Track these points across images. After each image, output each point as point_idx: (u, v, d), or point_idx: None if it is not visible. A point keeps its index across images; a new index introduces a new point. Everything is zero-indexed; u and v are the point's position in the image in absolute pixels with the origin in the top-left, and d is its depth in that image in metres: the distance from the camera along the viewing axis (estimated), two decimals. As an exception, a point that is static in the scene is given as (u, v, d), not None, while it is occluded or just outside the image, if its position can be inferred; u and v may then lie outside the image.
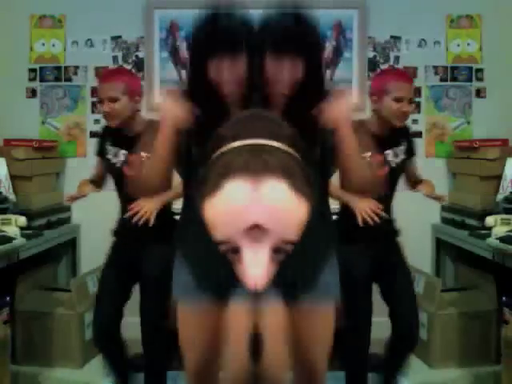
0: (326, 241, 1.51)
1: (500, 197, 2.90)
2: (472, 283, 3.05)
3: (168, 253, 2.21)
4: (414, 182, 2.47)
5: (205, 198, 0.86)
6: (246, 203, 0.83)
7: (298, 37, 1.44)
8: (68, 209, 3.31)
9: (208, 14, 1.44)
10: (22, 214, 2.73)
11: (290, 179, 0.86)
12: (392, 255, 2.36)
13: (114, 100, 2.18)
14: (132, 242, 2.32)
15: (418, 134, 3.37)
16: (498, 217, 2.67)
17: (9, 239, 2.47)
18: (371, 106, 2.31)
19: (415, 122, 3.36)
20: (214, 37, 1.44)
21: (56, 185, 3.33)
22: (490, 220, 2.66)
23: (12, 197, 2.89)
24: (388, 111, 2.20)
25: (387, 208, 2.32)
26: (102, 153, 2.38)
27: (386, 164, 2.27)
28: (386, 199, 2.30)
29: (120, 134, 2.30)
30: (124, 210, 2.30)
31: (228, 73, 1.41)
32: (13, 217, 2.65)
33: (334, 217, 2.85)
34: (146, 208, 2.21)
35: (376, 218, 2.21)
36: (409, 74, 2.29)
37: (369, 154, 2.24)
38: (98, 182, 2.49)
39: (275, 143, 0.91)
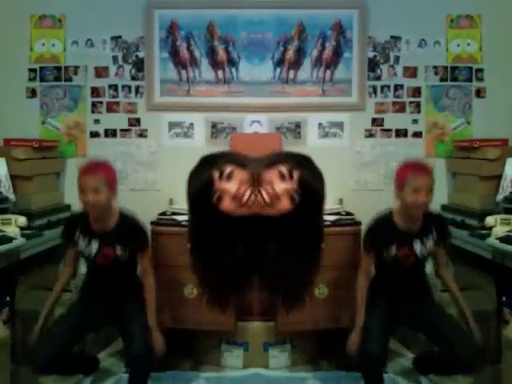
0: None
1: (500, 197, 2.90)
2: (472, 283, 3.05)
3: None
4: (439, 272, 2.59)
5: None
6: None
7: None
8: (68, 209, 3.31)
9: None
10: (21, 214, 2.73)
11: None
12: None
13: (97, 191, 2.31)
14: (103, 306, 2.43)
15: (418, 134, 3.38)
16: (498, 217, 2.67)
17: (9, 239, 2.47)
18: (395, 196, 2.42)
19: (415, 121, 3.37)
20: None
21: (56, 185, 3.33)
22: (490, 220, 2.66)
23: (12, 197, 2.88)
24: (407, 202, 2.34)
25: (420, 291, 2.45)
26: (71, 239, 2.46)
27: (413, 255, 2.38)
28: (416, 285, 2.44)
29: (92, 225, 2.41)
30: (93, 287, 2.48)
31: None
32: (13, 217, 2.65)
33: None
34: None
35: None
36: (428, 167, 2.44)
37: (394, 247, 2.38)
38: (72, 272, 2.60)
39: None
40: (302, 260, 1.23)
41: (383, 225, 2.42)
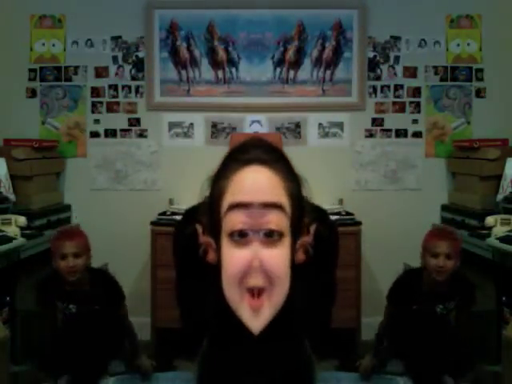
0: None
1: (500, 197, 2.90)
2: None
3: None
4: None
5: None
6: None
7: None
8: (68, 209, 3.31)
9: None
10: (21, 214, 2.73)
11: None
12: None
13: (78, 256, 2.35)
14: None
15: (418, 134, 3.38)
16: (498, 217, 2.67)
17: (9, 239, 2.47)
18: (421, 262, 2.45)
19: (415, 121, 3.37)
20: None
21: (56, 185, 3.33)
22: (489, 220, 2.66)
23: (12, 197, 2.88)
24: (428, 266, 2.38)
25: (446, 349, 2.38)
26: (49, 305, 2.45)
27: (432, 313, 2.39)
28: (440, 342, 2.37)
29: (67, 289, 2.40)
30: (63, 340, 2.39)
31: None
32: (13, 217, 2.65)
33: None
34: None
35: None
36: (451, 233, 2.50)
37: (415, 307, 2.39)
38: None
39: None
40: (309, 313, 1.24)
41: (412, 280, 2.45)
